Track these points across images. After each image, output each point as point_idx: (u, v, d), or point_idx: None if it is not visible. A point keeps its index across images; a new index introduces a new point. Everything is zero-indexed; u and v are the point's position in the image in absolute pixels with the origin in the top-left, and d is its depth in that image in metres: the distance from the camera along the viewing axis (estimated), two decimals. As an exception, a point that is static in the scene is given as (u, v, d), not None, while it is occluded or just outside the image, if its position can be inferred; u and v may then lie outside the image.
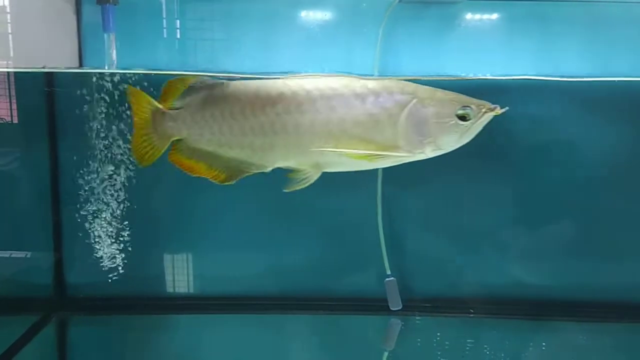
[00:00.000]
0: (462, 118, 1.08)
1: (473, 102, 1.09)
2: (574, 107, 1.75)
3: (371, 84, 1.11)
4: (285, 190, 1.19)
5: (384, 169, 1.71)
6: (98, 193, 1.65)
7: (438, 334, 1.64)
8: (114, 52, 1.60)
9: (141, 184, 1.63)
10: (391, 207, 1.76)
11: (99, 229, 1.67)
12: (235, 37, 1.72)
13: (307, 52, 1.74)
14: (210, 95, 1.17)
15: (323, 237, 1.77)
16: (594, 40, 1.75)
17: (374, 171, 1.72)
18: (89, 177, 1.64)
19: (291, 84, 1.14)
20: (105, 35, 1.60)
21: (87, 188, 1.65)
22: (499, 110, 1.08)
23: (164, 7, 1.71)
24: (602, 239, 1.78)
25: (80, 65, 1.72)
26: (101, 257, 1.68)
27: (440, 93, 1.11)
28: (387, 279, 1.74)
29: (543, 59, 1.77)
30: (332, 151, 1.11)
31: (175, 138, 1.20)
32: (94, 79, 1.58)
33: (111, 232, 1.67)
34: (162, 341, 1.67)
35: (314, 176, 1.17)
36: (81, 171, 1.64)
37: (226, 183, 1.23)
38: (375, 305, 1.76)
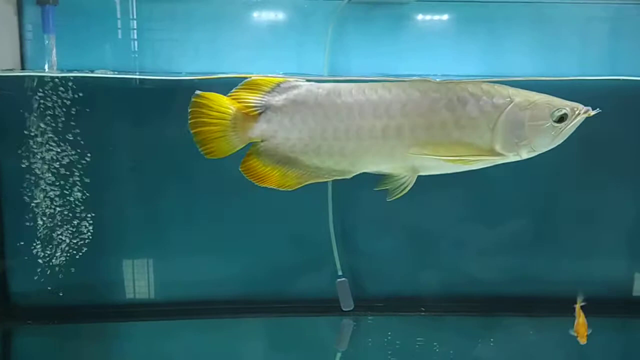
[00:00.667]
0: (557, 120, 1.08)
1: (567, 104, 1.08)
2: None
3: (471, 87, 1.09)
4: (388, 200, 1.15)
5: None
6: (42, 199, 1.62)
7: (389, 333, 1.66)
8: (54, 53, 1.56)
9: (88, 191, 1.60)
10: (342, 207, 1.76)
11: (43, 236, 1.63)
12: (183, 37, 1.70)
13: (257, 53, 1.73)
14: (299, 96, 1.11)
15: (274, 240, 1.76)
16: (539, 40, 1.79)
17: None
18: (33, 184, 1.60)
19: (391, 87, 1.10)
20: (45, 37, 1.56)
21: (30, 194, 1.61)
22: (591, 112, 1.08)
23: (116, 7, 1.68)
24: (549, 236, 1.83)
25: (22, 68, 1.67)
26: (47, 265, 1.64)
27: (536, 96, 1.09)
28: (338, 280, 1.74)
29: (491, 59, 1.80)
30: (433, 157, 1.09)
31: (255, 141, 1.12)
32: (34, 82, 1.55)
33: (57, 239, 1.63)
34: (112, 350, 1.64)
35: (413, 180, 1.13)
36: (25, 177, 1.60)
37: (289, 189, 1.18)
38: (327, 306, 1.76)
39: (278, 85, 1.10)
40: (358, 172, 1.12)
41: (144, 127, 1.70)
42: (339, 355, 1.65)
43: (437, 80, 1.10)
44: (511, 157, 1.09)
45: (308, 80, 1.11)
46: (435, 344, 1.60)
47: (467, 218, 1.79)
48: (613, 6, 1.79)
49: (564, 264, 1.84)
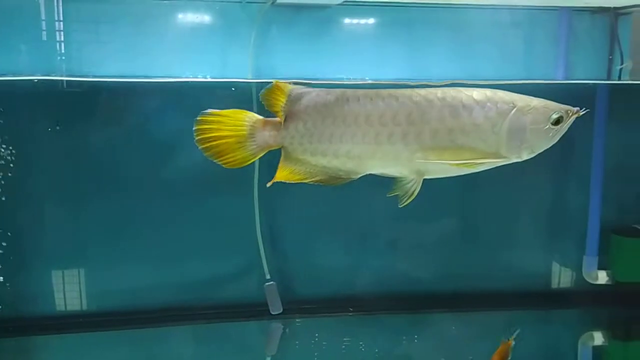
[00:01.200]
0: (554, 123, 1.12)
1: (561, 107, 1.13)
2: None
3: (475, 94, 1.11)
4: (400, 206, 1.16)
5: (260, 175, 1.71)
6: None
7: (317, 334, 1.67)
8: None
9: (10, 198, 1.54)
10: (269, 212, 1.76)
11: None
12: (103, 40, 1.65)
13: (182, 55, 1.70)
14: (311, 102, 1.12)
15: (201, 246, 1.74)
16: (457, 44, 1.84)
17: (251, 177, 1.72)
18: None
19: (398, 94, 1.12)
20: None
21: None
22: (580, 112, 1.13)
23: (40, 8, 1.61)
24: (473, 235, 1.90)
25: None
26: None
27: (534, 101, 1.14)
28: (266, 284, 1.74)
29: (412, 62, 1.84)
30: (439, 162, 1.12)
31: (273, 148, 1.13)
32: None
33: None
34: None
35: (419, 184, 1.15)
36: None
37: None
38: (256, 310, 1.76)
39: (291, 92, 1.12)
40: (364, 173, 1.16)
41: (67, 132, 1.65)
42: (268, 359, 1.64)
43: (442, 88, 1.12)
44: (513, 159, 1.14)
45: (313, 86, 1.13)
46: (361, 342, 1.62)
47: (392, 219, 1.83)
48: (527, 12, 1.86)
49: (487, 261, 1.91)
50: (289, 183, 1.78)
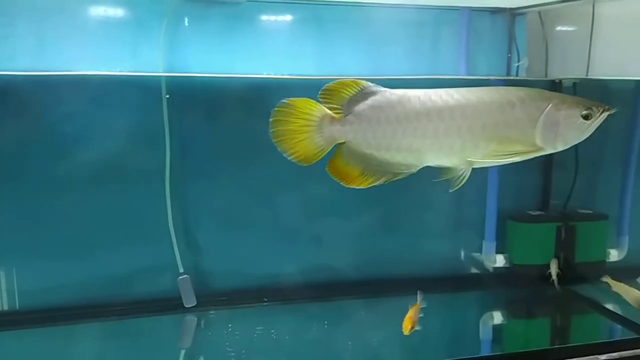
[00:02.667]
0: (585, 117, 1.26)
1: (593, 103, 1.27)
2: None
3: (517, 92, 1.28)
4: (450, 191, 1.30)
5: (172, 167, 1.72)
6: None
7: (230, 325, 1.70)
8: None
9: None
10: (181, 204, 1.77)
11: None
12: (8, 34, 1.60)
13: (90, 50, 1.67)
14: (376, 101, 1.24)
15: (112, 241, 1.72)
16: (367, 40, 1.90)
17: (162, 169, 1.72)
18: None
19: (452, 92, 1.26)
20: None
21: None
22: (612, 110, 1.26)
23: None
24: (383, 224, 1.97)
25: None
26: None
27: (569, 98, 1.29)
28: (180, 277, 1.75)
29: (323, 59, 1.89)
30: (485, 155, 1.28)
31: (339, 142, 1.23)
32: None
33: None
34: None
35: (469, 171, 1.28)
36: None
37: (366, 186, 1.29)
38: (170, 304, 1.76)
39: (360, 90, 1.24)
40: (423, 166, 1.28)
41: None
42: (183, 352, 1.65)
43: (485, 88, 1.28)
44: (549, 150, 1.28)
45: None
46: (272, 330, 1.66)
47: (307, 211, 1.88)
48: (432, 11, 1.95)
49: (399, 249, 1.99)
50: (199, 174, 1.81)
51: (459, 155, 1.27)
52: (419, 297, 1.51)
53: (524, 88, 1.31)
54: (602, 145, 2.06)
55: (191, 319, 1.76)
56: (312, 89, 1.83)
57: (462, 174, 1.28)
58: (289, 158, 1.25)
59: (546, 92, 1.32)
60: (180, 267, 1.76)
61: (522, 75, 2.04)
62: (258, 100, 1.79)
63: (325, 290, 1.91)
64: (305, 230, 1.88)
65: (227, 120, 1.79)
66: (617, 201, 1.99)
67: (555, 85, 1.96)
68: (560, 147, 1.29)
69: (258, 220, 1.84)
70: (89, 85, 1.65)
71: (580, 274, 2.01)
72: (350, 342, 1.61)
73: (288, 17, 1.85)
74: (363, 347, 1.61)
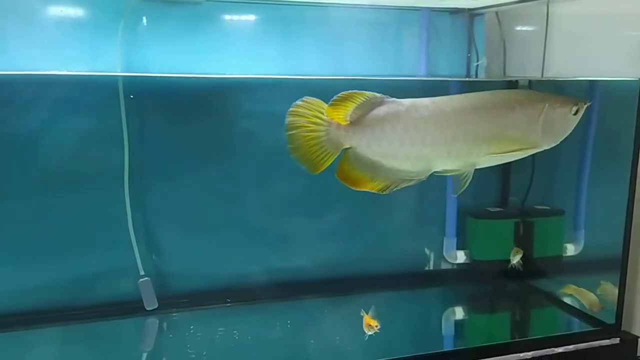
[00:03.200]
0: (575, 113, 1.35)
1: (576, 100, 1.36)
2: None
3: (516, 96, 1.36)
4: (453, 195, 1.48)
5: (131, 168, 1.70)
6: None
7: (192, 327, 1.69)
8: None
9: None
10: (141, 207, 1.75)
11: None
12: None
13: (46, 50, 1.64)
14: (381, 111, 1.28)
15: (71, 244, 1.69)
16: (330, 41, 1.91)
17: (121, 170, 1.70)
18: None
19: (456, 99, 1.33)
20: None
21: None
22: (588, 103, 1.37)
23: None
24: (347, 224, 1.97)
25: None
26: None
27: (557, 97, 1.37)
28: (140, 280, 1.73)
29: (285, 60, 1.89)
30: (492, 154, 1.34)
31: (344, 147, 1.28)
32: None
33: None
34: None
35: (472, 174, 1.33)
36: None
37: (384, 192, 1.34)
38: (130, 307, 1.74)
39: (367, 99, 1.27)
40: (431, 172, 1.33)
41: None
42: (144, 355, 1.64)
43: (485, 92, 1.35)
44: (544, 147, 1.37)
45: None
46: (235, 331, 1.66)
47: (268, 212, 1.88)
48: (393, 11, 1.97)
49: (364, 248, 2.01)
50: (161, 178, 1.80)
51: (465, 159, 1.32)
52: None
53: (518, 90, 1.47)
54: (558, 143, 2.11)
55: (152, 322, 1.74)
56: (274, 88, 1.86)
57: (466, 177, 1.34)
58: (299, 164, 1.29)
59: (537, 93, 1.40)
60: (141, 269, 1.74)
61: (481, 75, 2.08)
62: (219, 100, 1.79)
63: (289, 289, 1.91)
64: (267, 231, 1.87)
65: (187, 121, 1.78)
66: (573, 197, 2.04)
67: (512, 85, 2.00)
68: (554, 143, 1.37)
69: (219, 221, 1.83)
70: (45, 85, 1.62)
71: (539, 269, 2.06)
72: (312, 341, 1.62)
73: (249, 17, 1.84)
74: (326, 345, 1.62)
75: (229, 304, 1.83)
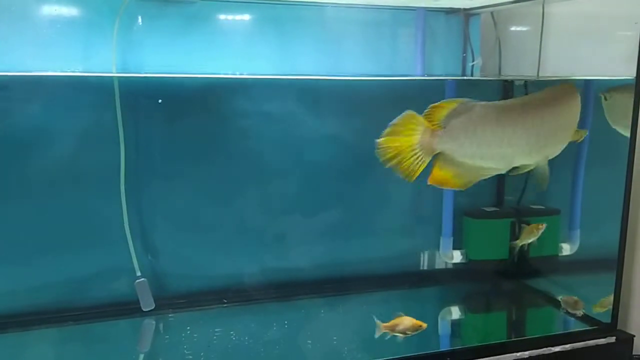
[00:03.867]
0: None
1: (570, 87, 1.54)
2: (308, 104, 1.90)
3: (561, 92, 1.52)
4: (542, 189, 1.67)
5: (127, 168, 1.68)
6: None
7: (188, 328, 1.68)
8: None
9: None
10: (137, 207, 1.74)
11: None
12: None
13: (41, 50, 1.63)
14: (471, 116, 1.39)
15: (68, 245, 1.69)
16: (325, 40, 1.91)
17: (117, 170, 1.69)
18: None
19: (530, 99, 1.51)
20: None
21: None
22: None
23: None
24: (344, 224, 1.97)
25: None
26: None
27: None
28: (137, 280, 1.73)
29: (282, 59, 1.88)
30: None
31: (436, 152, 1.39)
32: None
33: None
34: None
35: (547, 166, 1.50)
36: None
37: (464, 188, 1.46)
38: (127, 308, 1.73)
39: (458, 106, 1.39)
40: (510, 168, 1.47)
41: None
42: (141, 356, 1.63)
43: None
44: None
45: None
46: (232, 332, 1.65)
47: (261, 210, 1.87)
48: (389, 11, 1.97)
49: (362, 248, 2.01)
50: (157, 178, 1.79)
51: (542, 154, 1.47)
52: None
53: (558, 86, 1.54)
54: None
55: (149, 323, 1.74)
56: (270, 88, 1.86)
57: (544, 169, 1.50)
58: (397, 174, 1.39)
59: (565, 86, 1.55)
60: (138, 270, 1.73)
61: (477, 75, 2.08)
62: (215, 100, 1.79)
63: (285, 290, 1.91)
64: (264, 231, 1.87)
65: (183, 121, 1.77)
66: (568, 196, 2.04)
67: (507, 85, 2.01)
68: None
69: (216, 221, 1.82)
70: (41, 86, 1.61)
71: (535, 268, 2.07)
72: (310, 342, 1.62)
73: (245, 17, 1.84)
74: (323, 345, 1.62)
75: (225, 305, 1.83)
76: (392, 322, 1.52)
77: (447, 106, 1.38)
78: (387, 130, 1.37)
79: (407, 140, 1.37)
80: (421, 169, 1.38)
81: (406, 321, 1.53)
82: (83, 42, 1.67)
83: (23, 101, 1.61)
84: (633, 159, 1.65)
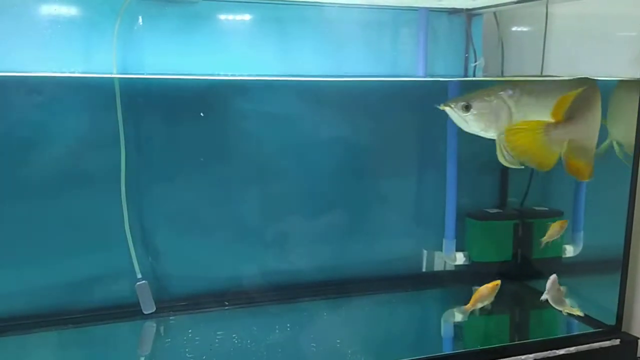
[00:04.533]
0: None
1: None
2: (310, 105, 1.89)
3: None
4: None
5: (127, 170, 1.67)
6: None
7: (190, 331, 1.67)
8: None
9: None
10: (137, 208, 1.73)
11: None
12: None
13: (40, 51, 1.62)
14: (578, 102, 1.48)
15: (68, 247, 1.68)
16: (327, 41, 1.90)
17: (117, 172, 1.68)
18: None
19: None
20: None
21: None
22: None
23: None
24: (345, 225, 1.97)
25: None
26: None
27: None
28: (138, 283, 1.71)
29: (284, 59, 1.87)
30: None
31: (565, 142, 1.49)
32: None
33: None
34: None
35: None
36: None
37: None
38: (128, 311, 1.72)
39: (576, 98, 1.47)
40: None
41: None
42: (142, 359, 1.62)
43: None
44: None
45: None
46: (234, 335, 1.64)
47: (262, 212, 1.87)
48: (391, 11, 1.96)
49: (363, 250, 2.00)
50: (158, 180, 1.78)
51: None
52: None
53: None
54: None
55: (150, 325, 1.73)
56: (272, 89, 1.85)
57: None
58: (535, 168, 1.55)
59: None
60: (138, 272, 1.72)
61: (479, 75, 2.07)
62: (216, 102, 1.77)
63: (287, 292, 1.90)
64: (265, 233, 1.86)
65: (184, 122, 1.77)
66: (572, 198, 2.03)
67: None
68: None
69: (217, 223, 1.81)
70: (41, 86, 1.60)
71: (538, 270, 2.05)
72: (313, 344, 1.61)
73: (246, 17, 1.82)
74: (326, 347, 1.61)
75: (227, 307, 1.81)
76: (472, 300, 1.59)
77: (569, 97, 1.47)
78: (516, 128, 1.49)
79: (536, 135, 1.47)
80: (556, 158, 1.51)
81: (483, 291, 1.61)
82: (83, 42, 1.65)
83: (23, 102, 1.60)
84: (638, 159, 1.64)
